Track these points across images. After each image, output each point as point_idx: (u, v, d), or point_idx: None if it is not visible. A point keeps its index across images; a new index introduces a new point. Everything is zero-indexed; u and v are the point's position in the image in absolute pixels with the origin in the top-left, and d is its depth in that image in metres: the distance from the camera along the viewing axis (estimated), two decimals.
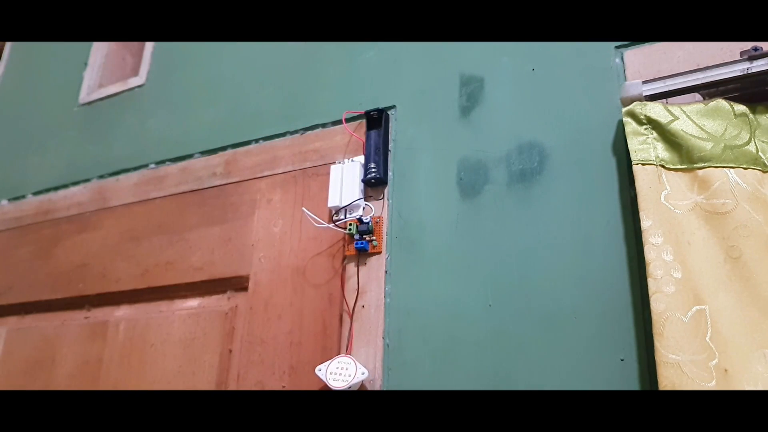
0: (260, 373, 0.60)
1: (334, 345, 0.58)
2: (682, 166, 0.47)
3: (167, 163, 0.80)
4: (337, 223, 0.60)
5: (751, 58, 0.46)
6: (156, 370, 0.67)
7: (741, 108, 0.47)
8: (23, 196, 0.94)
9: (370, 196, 0.62)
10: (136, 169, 0.83)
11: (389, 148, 0.63)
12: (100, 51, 0.99)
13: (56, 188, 0.90)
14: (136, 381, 0.68)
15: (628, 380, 0.46)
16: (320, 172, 0.66)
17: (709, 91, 0.48)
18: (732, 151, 0.46)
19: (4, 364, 0.81)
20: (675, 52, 0.53)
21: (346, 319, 0.58)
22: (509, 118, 0.59)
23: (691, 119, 0.47)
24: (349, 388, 0.52)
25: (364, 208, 0.61)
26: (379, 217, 0.60)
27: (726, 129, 0.46)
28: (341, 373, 0.52)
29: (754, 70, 0.46)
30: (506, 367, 0.50)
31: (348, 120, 0.66)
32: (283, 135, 0.72)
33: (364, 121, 0.65)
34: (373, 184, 0.62)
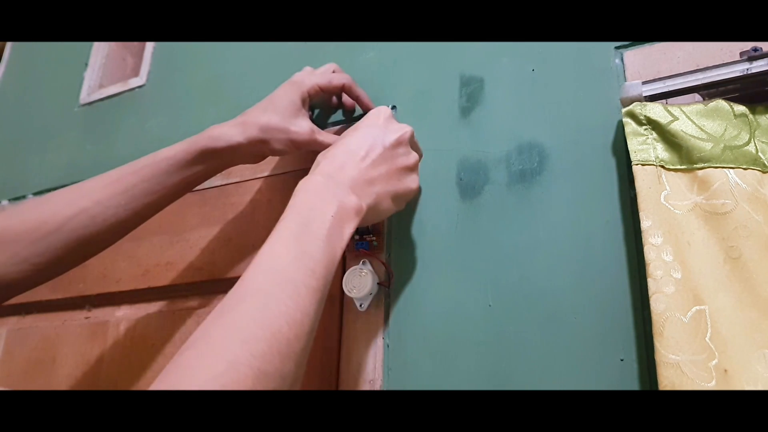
0: None
1: (335, 345, 0.58)
2: (682, 167, 0.47)
3: None
4: None
5: (751, 59, 0.46)
6: (157, 370, 0.67)
7: (741, 108, 0.47)
8: (23, 197, 0.94)
9: None
10: None
11: None
12: (100, 51, 0.99)
13: (57, 188, 0.90)
14: (136, 381, 0.68)
15: (627, 380, 0.46)
16: None
17: (709, 91, 0.48)
18: (732, 152, 0.46)
19: (4, 364, 0.81)
20: (675, 52, 0.53)
21: (346, 319, 0.58)
22: (509, 119, 0.59)
23: (690, 120, 0.47)
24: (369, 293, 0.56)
25: None
26: None
27: (726, 129, 0.46)
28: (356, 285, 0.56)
29: (753, 71, 0.46)
30: (506, 367, 0.50)
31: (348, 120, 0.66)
32: None
33: None
34: None
